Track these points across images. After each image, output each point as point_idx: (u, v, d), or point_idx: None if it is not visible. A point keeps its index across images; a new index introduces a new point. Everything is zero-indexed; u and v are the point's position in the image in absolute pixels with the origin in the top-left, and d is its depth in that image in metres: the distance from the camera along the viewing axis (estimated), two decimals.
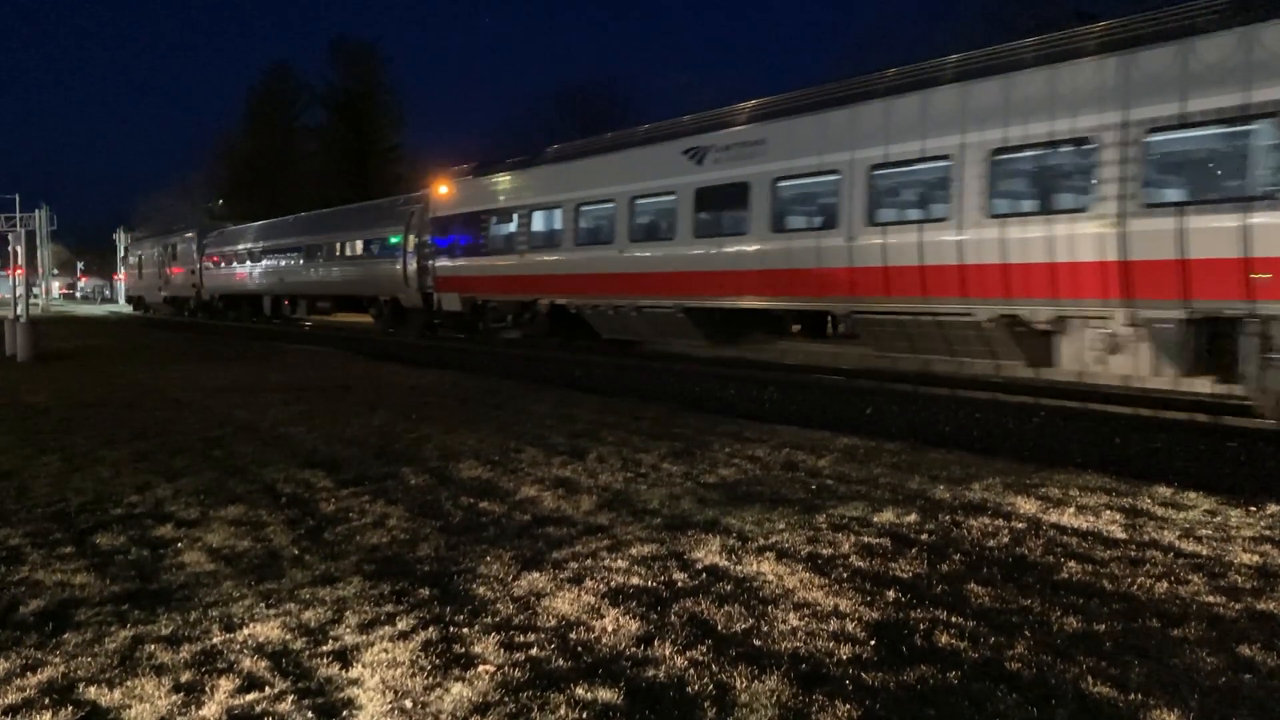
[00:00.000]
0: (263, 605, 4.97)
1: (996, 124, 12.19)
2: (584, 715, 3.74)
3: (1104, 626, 4.58)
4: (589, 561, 5.66)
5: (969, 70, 12.80)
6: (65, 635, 4.60)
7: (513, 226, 21.85)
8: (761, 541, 6.03)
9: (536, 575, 5.41)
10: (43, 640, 4.55)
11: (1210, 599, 4.96)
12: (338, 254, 33.04)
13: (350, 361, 20.57)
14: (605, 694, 3.90)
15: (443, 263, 24.82)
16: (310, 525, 6.56)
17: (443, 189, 24.89)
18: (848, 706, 3.77)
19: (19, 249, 33.34)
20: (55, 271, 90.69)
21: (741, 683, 3.98)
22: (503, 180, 22.65)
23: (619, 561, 5.66)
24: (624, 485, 7.70)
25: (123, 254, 65.30)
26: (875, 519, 6.58)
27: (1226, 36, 10.12)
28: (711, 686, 3.96)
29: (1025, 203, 12.60)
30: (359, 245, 31.51)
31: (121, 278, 69.88)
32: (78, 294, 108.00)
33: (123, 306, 65.30)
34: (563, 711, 3.76)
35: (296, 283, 36.62)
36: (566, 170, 20.41)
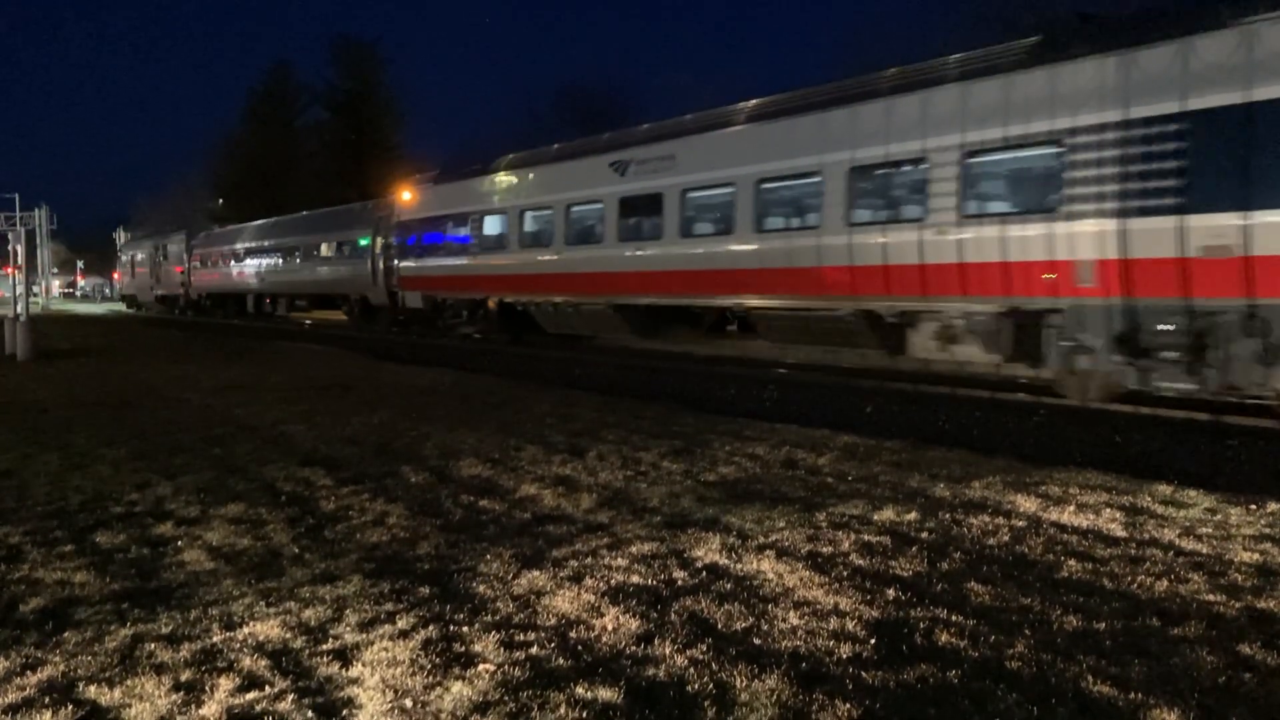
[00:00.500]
0: (263, 604, 4.97)
1: (850, 146, 13.99)
2: (584, 714, 3.74)
3: (1104, 625, 4.58)
4: (589, 560, 5.66)
5: (829, 99, 14.69)
6: (65, 634, 4.60)
7: (467, 230, 23.70)
8: (761, 540, 6.03)
9: (536, 574, 5.41)
10: (43, 639, 4.55)
11: (1210, 597, 4.96)
12: (313, 255, 34.98)
13: (350, 360, 20.56)
14: (605, 693, 3.90)
15: (406, 263, 26.69)
16: (310, 524, 6.56)
17: (406, 195, 27.01)
18: (848, 705, 3.77)
19: (19, 248, 33.27)
20: (55, 270, 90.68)
21: (741, 681, 3.98)
22: (458, 188, 24.49)
23: (619, 560, 5.66)
24: (624, 484, 7.70)
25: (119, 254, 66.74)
26: (875, 517, 6.58)
27: (1028, 74, 11.88)
28: (711, 685, 3.96)
29: (874, 213, 14.15)
30: (332, 247, 33.48)
31: (118, 276, 71.49)
32: (77, 293, 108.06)
33: (121, 305, 66.26)
34: (563, 710, 3.76)
35: (276, 282, 38.75)
36: (513, 179, 22.26)
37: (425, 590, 5.15)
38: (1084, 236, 11.22)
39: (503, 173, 22.78)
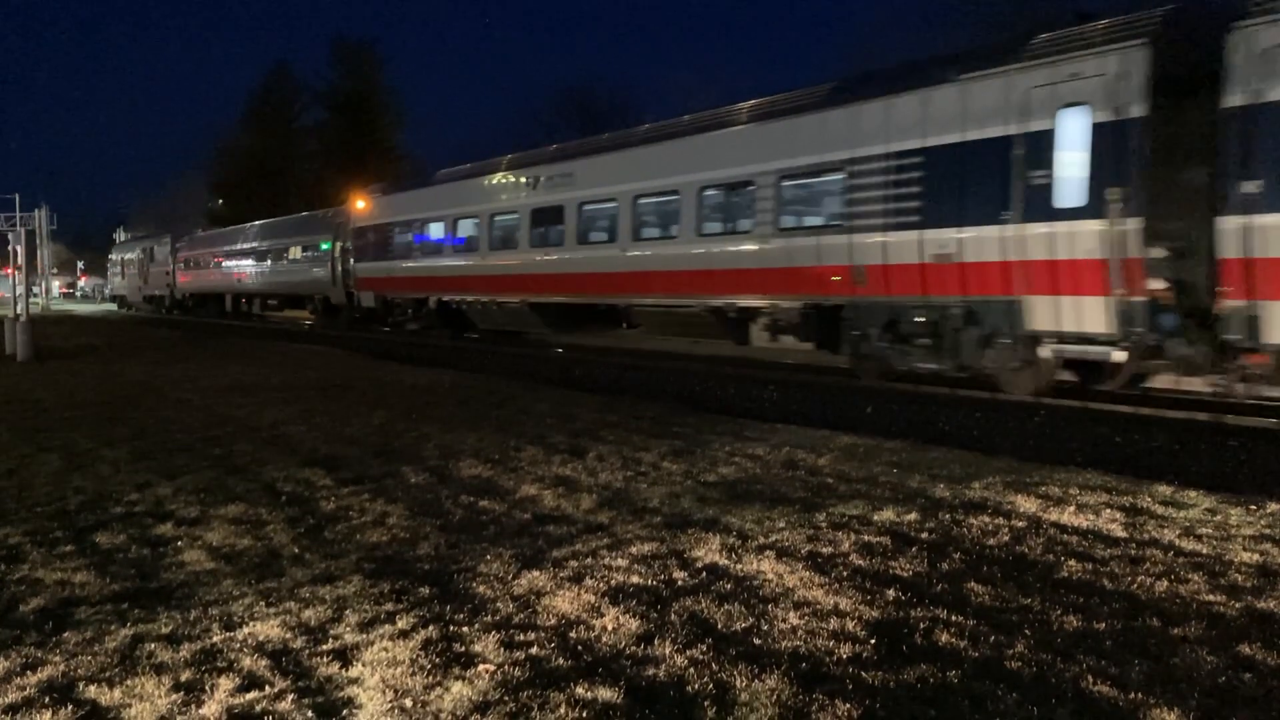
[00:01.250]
0: (263, 604, 4.97)
1: (700, 169, 16.77)
2: (584, 714, 3.74)
3: (1104, 625, 4.58)
4: (589, 560, 5.66)
5: (686, 130, 17.82)
6: (65, 634, 4.60)
7: (411, 236, 26.67)
8: (761, 540, 6.03)
9: (536, 574, 5.41)
10: (43, 639, 4.55)
11: (1210, 598, 4.96)
12: (282, 258, 37.66)
13: (350, 361, 20.57)
14: (605, 693, 3.90)
15: (360, 266, 29.79)
16: (310, 524, 6.56)
17: (360, 204, 30.01)
18: (848, 706, 3.77)
19: (19, 248, 33.30)
20: (55, 271, 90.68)
21: (741, 682, 3.98)
22: (404, 198, 27.71)
23: (619, 560, 5.65)
24: (624, 484, 7.70)
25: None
26: (875, 517, 6.58)
27: (824, 113, 14.71)
28: (711, 685, 3.96)
29: (719, 226, 16.95)
30: (297, 251, 36.23)
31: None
32: (77, 293, 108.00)
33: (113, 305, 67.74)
34: (563, 711, 3.76)
35: (250, 283, 41.41)
36: (448, 191, 25.07)
37: (425, 590, 5.15)
38: (862, 246, 13.93)
39: (440, 185, 25.72)
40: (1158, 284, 11.10)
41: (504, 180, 22.71)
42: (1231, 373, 10.68)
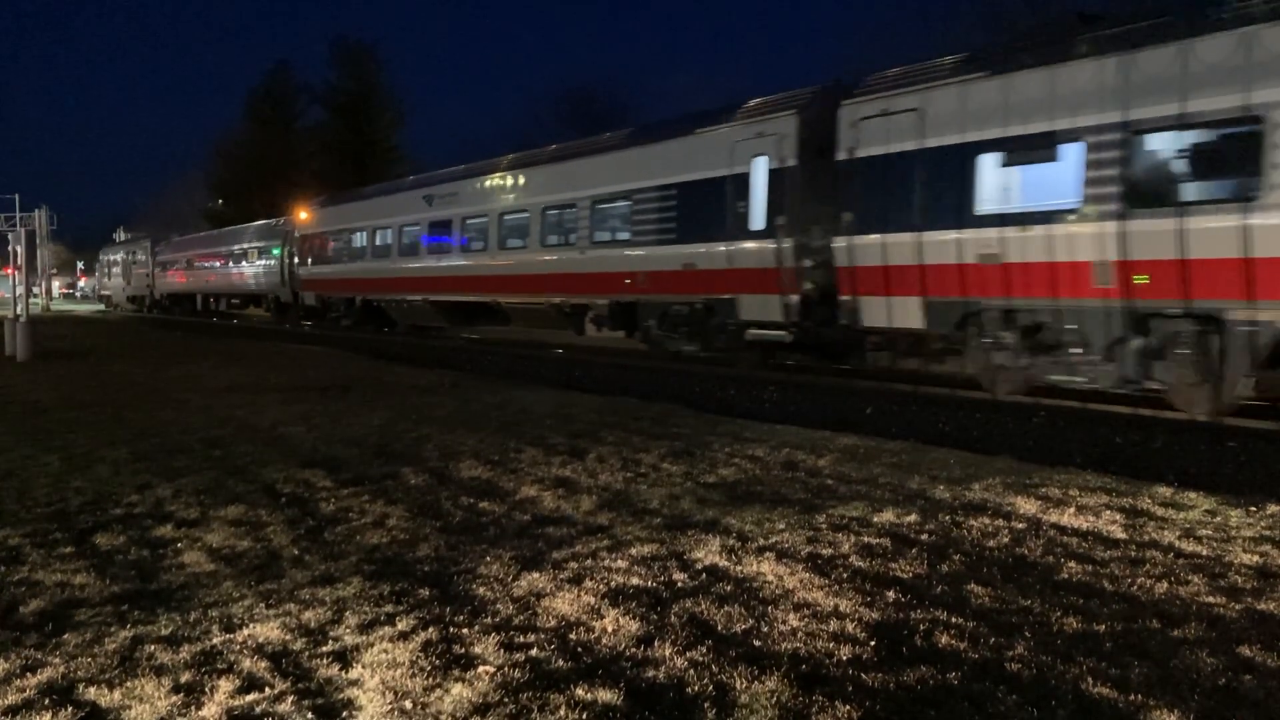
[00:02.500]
0: (263, 605, 4.97)
1: (543, 194, 21.61)
2: (584, 716, 3.74)
3: (1104, 627, 4.58)
4: (589, 562, 5.66)
5: (537, 160, 22.75)
6: (65, 635, 4.60)
7: (341, 243, 31.74)
8: (761, 541, 6.02)
9: (536, 575, 5.41)
10: (43, 640, 4.55)
11: (1210, 599, 4.95)
12: (241, 262, 42.58)
13: (350, 361, 20.57)
14: (605, 694, 3.90)
15: (303, 270, 34.70)
16: (310, 525, 6.56)
17: (303, 215, 35.01)
18: (848, 707, 3.77)
19: (19, 249, 33.29)
20: (55, 271, 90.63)
21: (741, 683, 3.98)
22: (337, 210, 32.86)
23: (619, 562, 5.65)
24: (624, 485, 7.70)
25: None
26: (875, 519, 6.58)
27: (619, 153, 19.79)
28: (711, 687, 3.96)
29: (556, 238, 21.28)
30: (255, 256, 41.07)
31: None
32: (77, 293, 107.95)
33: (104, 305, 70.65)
34: (563, 712, 3.76)
35: (216, 284, 46.73)
36: (370, 205, 30.33)
37: (425, 592, 5.15)
38: (640, 257, 18.55)
39: (363, 200, 31.23)
40: (808, 286, 15.43)
41: (409, 197, 27.43)
42: (865, 350, 15.03)
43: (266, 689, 4.00)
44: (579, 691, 3.93)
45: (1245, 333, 10.25)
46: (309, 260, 33.89)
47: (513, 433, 10.22)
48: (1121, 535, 6.15)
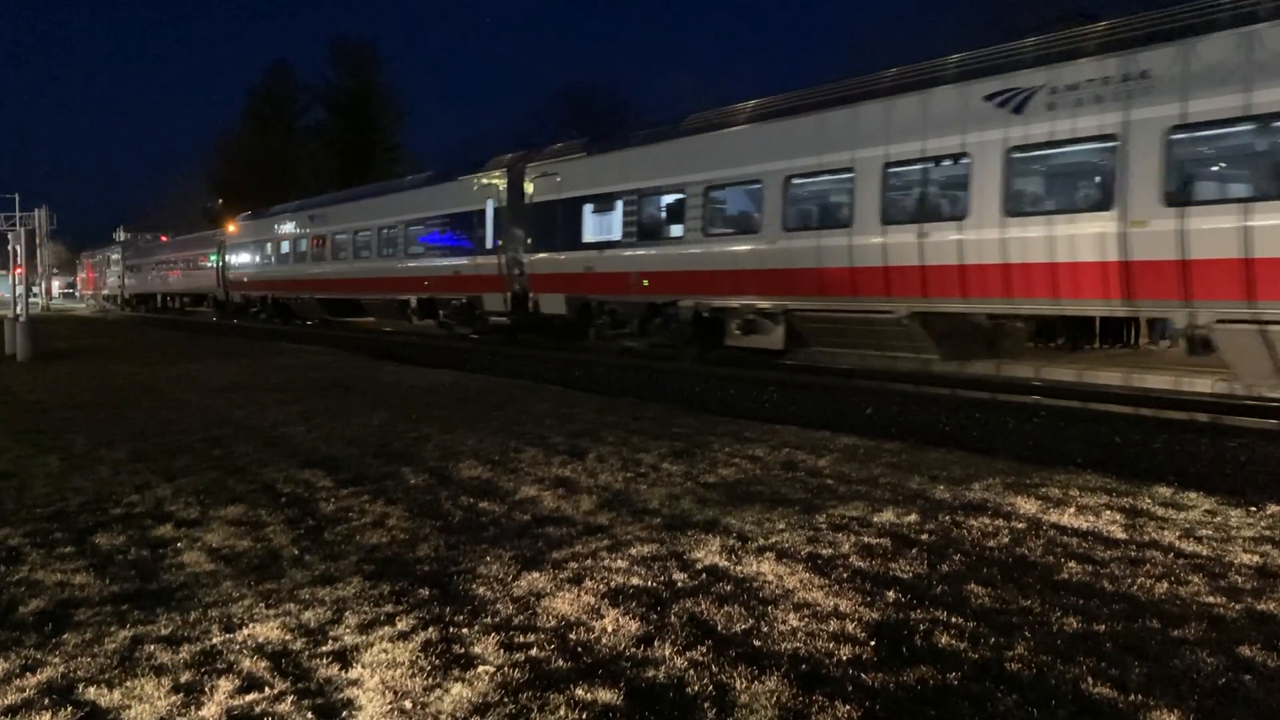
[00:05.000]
0: (262, 605, 4.96)
1: (378, 216, 30.04)
2: (584, 716, 3.74)
3: (1104, 627, 4.58)
4: (589, 561, 5.66)
5: (395, 189, 30.82)
6: (65, 635, 4.60)
7: (257, 251, 40.54)
8: (761, 541, 6.02)
9: (536, 575, 5.41)
10: (42, 640, 4.54)
11: (1210, 599, 4.95)
12: (189, 266, 51.01)
13: (349, 361, 20.56)
14: (605, 694, 3.90)
15: (231, 273, 43.78)
16: (310, 525, 6.56)
17: (231, 227, 44.61)
18: (848, 707, 3.77)
19: (19, 249, 33.26)
20: (55, 271, 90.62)
21: (741, 683, 3.98)
22: (254, 224, 41.67)
23: (619, 561, 5.65)
24: (624, 485, 7.70)
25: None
26: (875, 519, 6.57)
27: (424, 190, 28.53)
28: (711, 687, 3.96)
29: (389, 251, 29.55)
30: (196, 261, 49.83)
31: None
32: (77, 293, 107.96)
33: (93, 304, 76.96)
34: (562, 712, 3.76)
35: (169, 285, 55.39)
36: (274, 221, 38.77)
37: (425, 592, 5.15)
38: (431, 266, 26.73)
39: (271, 217, 39.59)
40: (516, 287, 23.24)
41: (299, 217, 35.99)
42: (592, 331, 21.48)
43: (266, 689, 4.00)
44: (579, 691, 3.93)
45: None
46: (234, 265, 43.30)
47: (512, 432, 10.21)
48: (1121, 535, 6.15)
